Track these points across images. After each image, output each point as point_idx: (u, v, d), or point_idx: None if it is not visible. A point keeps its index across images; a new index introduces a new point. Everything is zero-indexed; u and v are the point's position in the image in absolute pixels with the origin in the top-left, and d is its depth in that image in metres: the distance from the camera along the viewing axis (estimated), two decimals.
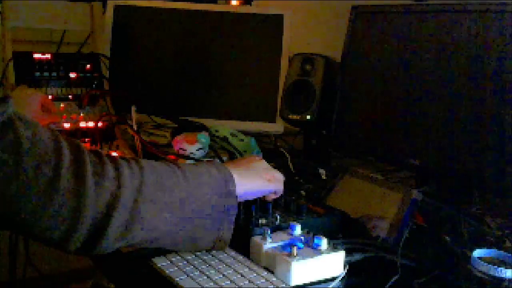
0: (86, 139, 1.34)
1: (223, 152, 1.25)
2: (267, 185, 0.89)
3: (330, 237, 0.81)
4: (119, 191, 0.68)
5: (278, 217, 0.89)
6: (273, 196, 0.93)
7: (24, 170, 0.62)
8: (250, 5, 2.04)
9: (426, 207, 1.00)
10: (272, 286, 0.74)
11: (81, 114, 1.40)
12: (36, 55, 1.44)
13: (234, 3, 2.07)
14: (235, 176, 0.82)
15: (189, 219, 0.75)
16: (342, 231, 0.94)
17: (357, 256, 0.84)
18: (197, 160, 1.17)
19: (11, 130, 0.63)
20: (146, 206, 0.70)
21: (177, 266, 0.79)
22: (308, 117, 1.43)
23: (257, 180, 0.87)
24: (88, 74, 1.50)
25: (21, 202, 0.62)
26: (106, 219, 0.67)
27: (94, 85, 1.49)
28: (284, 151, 1.43)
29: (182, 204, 0.74)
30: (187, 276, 0.76)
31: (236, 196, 0.81)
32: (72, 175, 0.65)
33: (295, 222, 0.85)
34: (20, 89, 1.30)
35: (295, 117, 1.45)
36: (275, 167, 0.94)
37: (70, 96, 1.45)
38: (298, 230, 0.84)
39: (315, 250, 0.78)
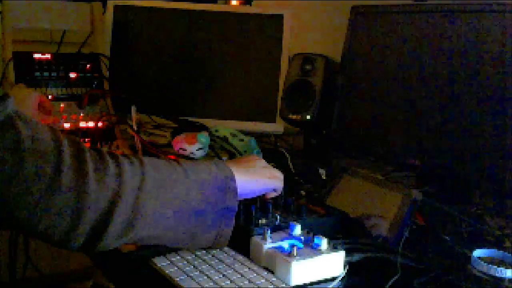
0: (86, 139, 1.35)
1: (223, 152, 1.25)
2: (267, 183, 0.89)
3: (330, 237, 0.81)
4: (120, 188, 0.68)
5: (278, 217, 0.89)
6: (273, 194, 0.93)
7: (25, 168, 0.62)
8: (250, 5, 2.04)
9: (426, 207, 1.00)
10: (272, 286, 0.74)
11: (81, 114, 1.40)
12: (36, 55, 1.44)
13: (234, 3, 2.07)
14: (235, 173, 0.82)
15: (190, 216, 0.75)
16: (342, 231, 0.94)
17: (357, 256, 0.84)
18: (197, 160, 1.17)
19: (11, 129, 0.63)
20: (147, 202, 0.70)
21: (177, 266, 0.79)
22: (308, 117, 1.43)
23: (257, 178, 0.87)
24: (88, 74, 1.50)
25: (22, 200, 0.62)
26: (108, 216, 0.67)
27: (94, 85, 1.49)
28: (284, 151, 1.42)
29: (183, 201, 0.74)
30: (187, 276, 0.76)
31: (237, 193, 0.81)
32: (73, 173, 0.65)
33: (295, 222, 0.85)
34: (17, 88, 1.30)
35: (295, 117, 1.45)
36: (275, 167, 0.94)
37: (70, 96, 1.45)
38: (298, 230, 0.84)
39: (315, 250, 0.78)
